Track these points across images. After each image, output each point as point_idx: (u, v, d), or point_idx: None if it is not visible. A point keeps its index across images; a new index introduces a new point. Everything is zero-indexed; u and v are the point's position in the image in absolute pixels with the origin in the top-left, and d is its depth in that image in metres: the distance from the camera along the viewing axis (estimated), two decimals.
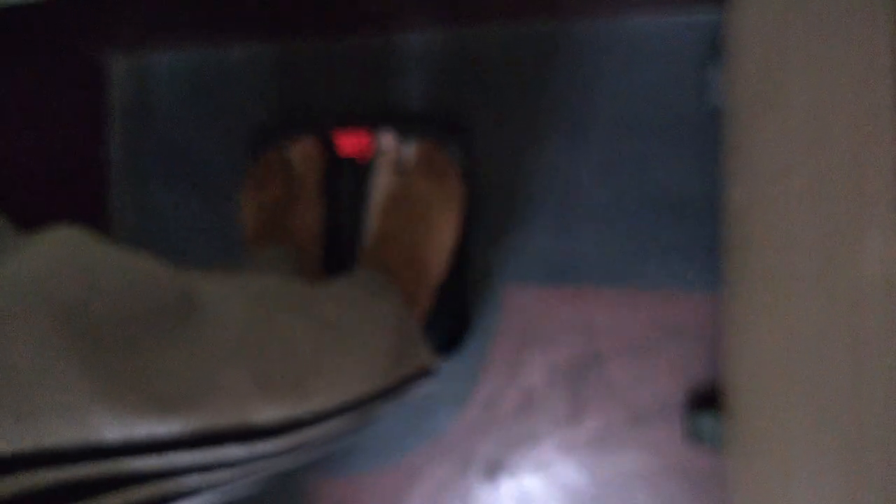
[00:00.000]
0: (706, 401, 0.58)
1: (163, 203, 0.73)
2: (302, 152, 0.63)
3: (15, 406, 0.23)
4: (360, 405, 0.40)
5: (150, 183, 0.73)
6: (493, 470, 0.64)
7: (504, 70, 0.63)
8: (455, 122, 0.64)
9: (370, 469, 0.67)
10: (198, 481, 0.30)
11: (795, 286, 0.37)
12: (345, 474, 0.68)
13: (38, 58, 0.70)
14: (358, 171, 0.63)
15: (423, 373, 0.47)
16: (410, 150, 0.59)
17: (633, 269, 0.60)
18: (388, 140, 0.60)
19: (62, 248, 0.27)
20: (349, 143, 0.63)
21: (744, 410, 0.50)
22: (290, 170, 0.62)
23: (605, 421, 0.61)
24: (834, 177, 0.31)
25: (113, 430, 0.26)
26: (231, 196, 0.67)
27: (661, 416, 0.60)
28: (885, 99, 0.25)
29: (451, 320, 0.63)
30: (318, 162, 0.63)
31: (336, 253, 0.64)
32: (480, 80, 0.64)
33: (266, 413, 0.32)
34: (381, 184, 0.58)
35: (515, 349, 0.63)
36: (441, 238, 0.56)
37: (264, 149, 0.65)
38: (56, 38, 0.69)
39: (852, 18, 0.29)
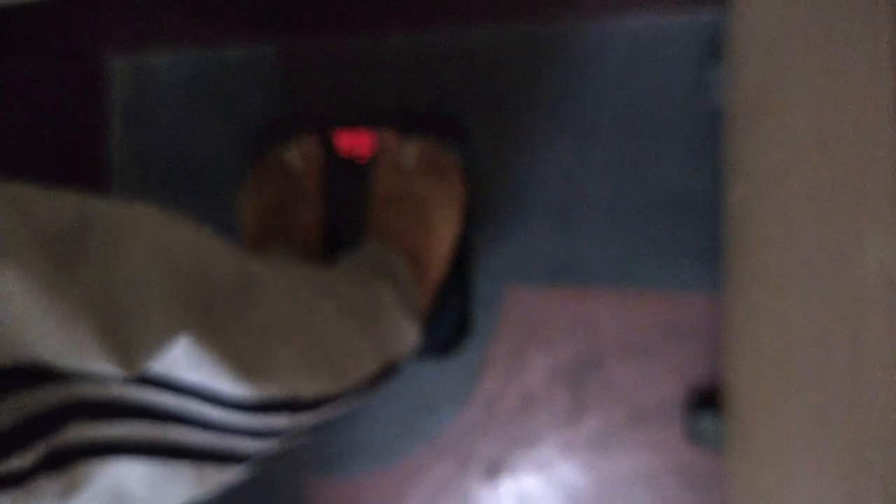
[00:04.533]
0: (706, 401, 0.58)
1: (163, 203, 0.73)
2: (302, 151, 0.63)
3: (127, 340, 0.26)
4: (373, 382, 0.43)
5: (150, 183, 0.73)
6: (493, 470, 0.64)
7: (505, 70, 0.63)
8: (456, 121, 0.64)
9: (370, 469, 0.67)
10: (252, 446, 0.33)
11: (796, 286, 0.37)
12: (345, 474, 0.68)
13: (38, 58, 0.70)
14: (358, 171, 0.63)
15: (413, 350, 0.50)
16: (411, 150, 0.59)
17: (634, 268, 0.60)
18: (388, 139, 0.60)
19: (150, 235, 0.29)
20: (349, 143, 0.63)
21: (744, 410, 0.50)
22: (289, 170, 0.62)
23: (605, 421, 0.61)
24: (834, 177, 0.31)
25: (195, 374, 0.28)
26: (231, 196, 0.67)
27: (661, 416, 0.60)
28: (885, 99, 0.25)
29: (451, 320, 0.63)
30: (318, 161, 0.63)
31: (336, 254, 0.64)
32: (481, 80, 0.64)
33: (310, 388, 0.35)
34: (382, 183, 0.58)
35: (515, 349, 0.63)
36: (441, 237, 0.56)
37: (264, 149, 0.65)
38: (56, 38, 0.69)
39: (853, 19, 0.29)
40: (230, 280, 0.32)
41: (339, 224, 0.64)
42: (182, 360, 0.27)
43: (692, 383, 0.59)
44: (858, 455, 0.28)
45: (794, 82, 0.38)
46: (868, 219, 0.27)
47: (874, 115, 0.26)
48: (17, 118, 0.72)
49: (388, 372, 0.45)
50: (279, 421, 0.33)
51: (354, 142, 0.63)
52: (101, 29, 0.70)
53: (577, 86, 0.61)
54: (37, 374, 0.23)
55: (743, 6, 0.50)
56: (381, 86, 0.66)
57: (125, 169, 0.74)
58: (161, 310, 0.27)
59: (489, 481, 0.64)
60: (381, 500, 0.67)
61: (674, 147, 0.59)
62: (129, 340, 0.25)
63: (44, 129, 0.73)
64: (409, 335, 0.48)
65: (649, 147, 0.60)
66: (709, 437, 0.56)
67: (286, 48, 0.69)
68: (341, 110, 0.67)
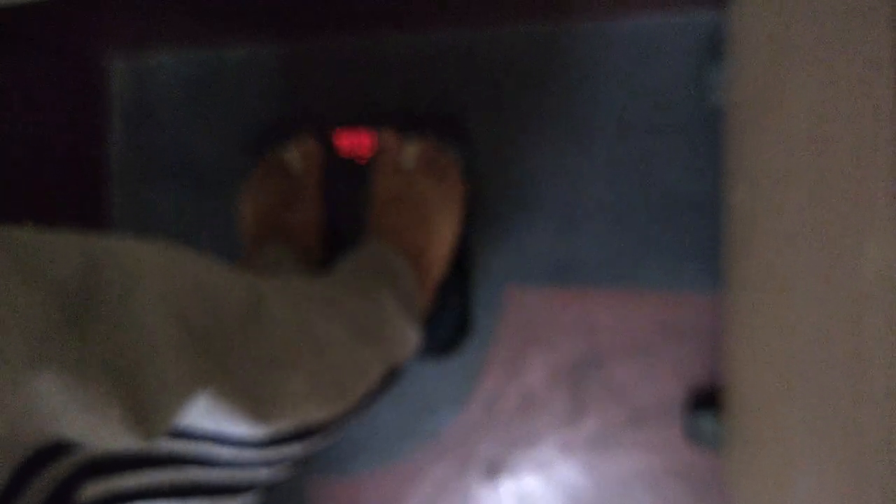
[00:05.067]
0: (706, 401, 0.58)
1: (163, 203, 0.73)
2: (302, 151, 0.63)
3: (151, 408, 0.26)
4: (377, 391, 0.44)
5: (150, 183, 0.73)
6: (493, 470, 0.64)
7: (505, 70, 0.63)
8: (456, 121, 0.64)
9: (370, 469, 0.67)
10: (264, 475, 0.34)
11: (795, 286, 0.37)
12: (345, 474, 0.68)
13: (38, 58, 0.70)
14: (358, 171, 0.63)
15: (414, 353, 0.50)
16: (411, 150, 0.59)
17: (634, 269, 0.60)
18: (388, 139, 0.60)
19: (160, 274, 0.29)
20: (349, 142, 0.63)
21: (744, 410, 0.50)
22: (289, 170, 0.62)
23: (605, 421, 0.61)
24: (834, 176, 0.31)
25: (211, 423, 0.29)
26: (231, 196, 0.67)
27: (661, 417, 0.60)
28: (885, 99, 0.25)
29: (451, 320, 0.63)
30: (318, 161, 0.63)
31: (336, 254, 0.64)
32: (481, 79, 0.64)
33: (319, 414, 0.36)
34: (382, 183, 0.58)
35: (516, 349, 0.63)
36: (441, 237, 0.56)
37: (265, 149, 0.65)
38: (56, 38, 0.69)
39: (853, 18, 0.29)
40: (238, 313, 0.33)
41: (339, 224, 0.64)
42: (198, 412, 0.28)
43: (692, 383, 0.59)
44: (858, 456, 0.28)
45: (794, 82, 0.38)
46: (868, 219, 0.27)
47: (874, 114, 0.26)
48: (17, 118, 0.72)
49: (390, 378, 0.45)
50: (290, 450, 0.35)
51: (354, 142, 0.63)
52: (101, 29, 0.70)
53: (577, 86, 0.61)
54: (59, 447, 0.24)
55: (743, 6, 0.50)
56: (382, 86, 0.66)
57: (125, 169, 0.74)
58: (176, 365, 0.27)
59: (489, 481, 0.64)
60: (381, 500, 0.67)
61: (674, 147, 0.59)
62: (149, 408, 0.26)
63: (44, 128, 0.73)
64: (410, 339, 0.48)
65: (649, 147, 0.60)
66: (709, 437, 0.56)
67: (286, 48, 0.69)
68: (341, 110, 0.67)
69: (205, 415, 0.28)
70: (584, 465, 0.62)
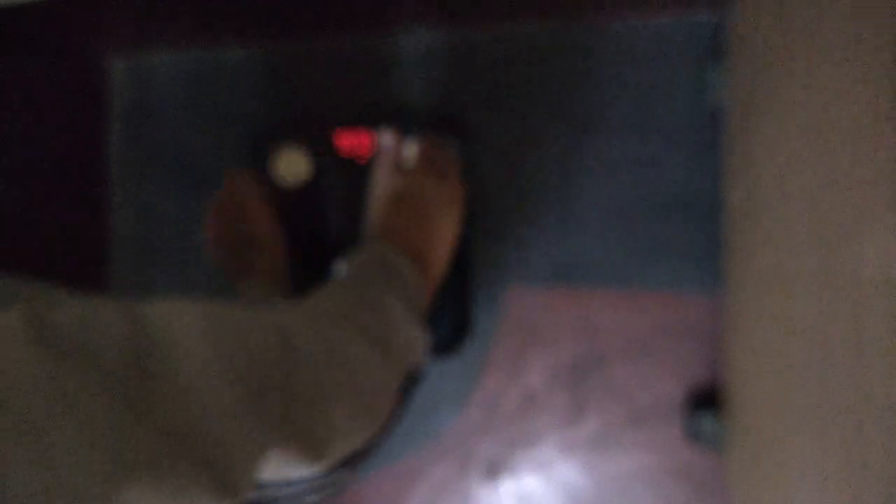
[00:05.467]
0: (706, 401, 0.58)
1: (162, 203, 0.73)
2: (233, 190, 0.62)
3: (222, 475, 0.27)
4: (400, 400, 0.45)
5: (149, 183, 0.73)
6: (493, 470, 0.64)
7: (505, 70, 0.63)
8: (456, 121, 0.64)
9: (370, 469, 0.67)
10: (314, 500, 0.37)
11: (795, 286, 0.37)
12: None
13: (38, 58, 0.70)
14: (358, 171, 0.63)
15: (426, 353, 0.51)
16: (411, 149, 0.59)
17: (634, 269, 0.60)
18: (388, 139, 0.60)
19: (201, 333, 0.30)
20: (349, 142, 0.63)
21: (744, 410, 0.50)
22: (242, 208, 0.62)
23: (605, 421, 0.61)
24: (834, 177, 0.31)
25: (273, 473, 0.31)
26: None
27: (661, 416, 0.60)
28: (885, 99, 0.25)
29: (452, 320, 0.63)
30: (258, 194, 0.62)
31: (335, 254, 0.64)
32: (482, 79, 0.64)
33: (360, 439, 0.39)
34: (382, 183, 0.58)
35: (516, 349, 0.63)
36: (441, 237, 0.56)
37: (263, 149, 0.65)
38: (56, 38, 0.69)
39: (853, 18, 0.29)
40: (278, 360, 0.34)
41: (338, 224, 0.64)
42: (264, 469, 0.30)
43: (692, 383, 0.59)
44: (859, 455, 0.28)
45: (793, 82, 0.38)
46: (868, 219, 0.27)
47: (874, 115, 0.26)
48: (17, 118, 0.72)
49: (411, 386, 0.46)
50: (338, 476, 0.38)
51: (354, 142, 0.63)
52: (101, 29, 0.70)
53: (577, 86, 0.61)
54: None
55: (743, 6, 0.50)
56: (382, 86, 0.66)
57: (125, 169, 0.74)
58: (240, 434, 0.28)
59: (490, 481, 0.64)
60: (381, 500, 0.67)
61: (674, 147, 0.59)
62: (230, 481, 0.27)
63: (44, 128, 0.73)
64: (419, 340, 0.48)
65: (649, 147, 0.60)
66: (709, 437, 0.56)
67: (286, 48, 0.69)
68: (341, 110, 0.67)
69: (270, 470, 0.30)
70: (584, 465, 0.62)
